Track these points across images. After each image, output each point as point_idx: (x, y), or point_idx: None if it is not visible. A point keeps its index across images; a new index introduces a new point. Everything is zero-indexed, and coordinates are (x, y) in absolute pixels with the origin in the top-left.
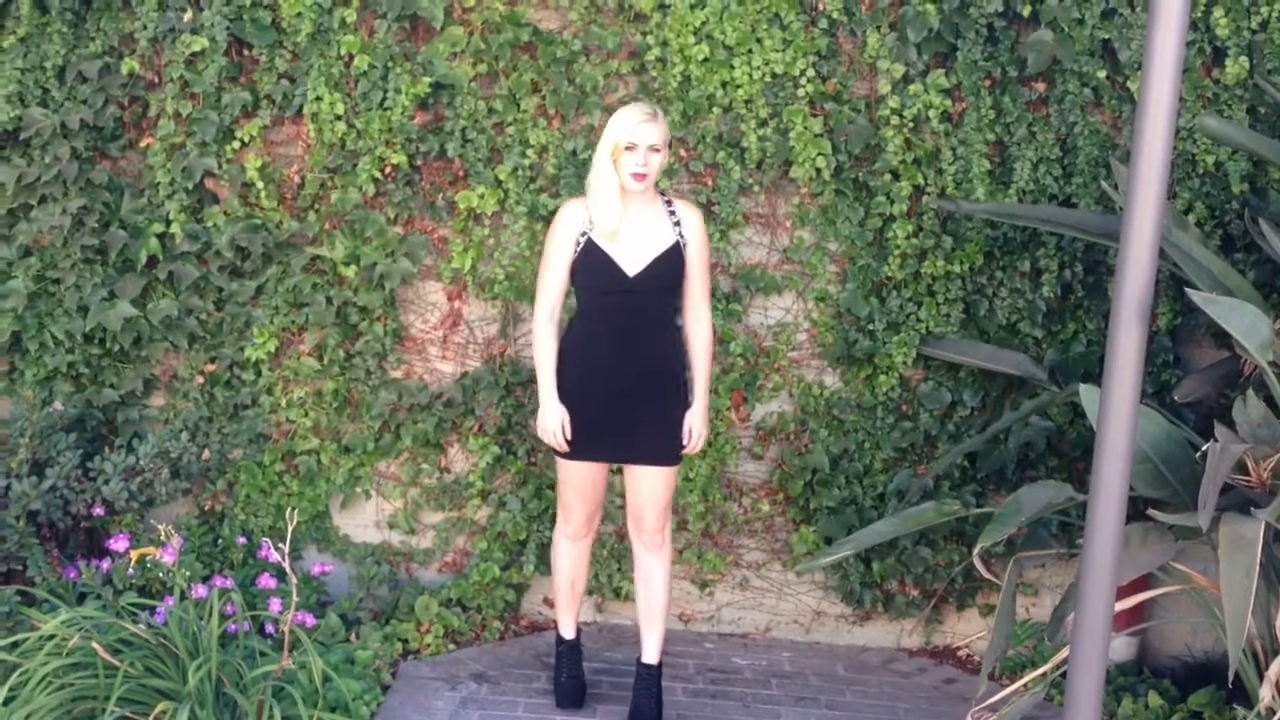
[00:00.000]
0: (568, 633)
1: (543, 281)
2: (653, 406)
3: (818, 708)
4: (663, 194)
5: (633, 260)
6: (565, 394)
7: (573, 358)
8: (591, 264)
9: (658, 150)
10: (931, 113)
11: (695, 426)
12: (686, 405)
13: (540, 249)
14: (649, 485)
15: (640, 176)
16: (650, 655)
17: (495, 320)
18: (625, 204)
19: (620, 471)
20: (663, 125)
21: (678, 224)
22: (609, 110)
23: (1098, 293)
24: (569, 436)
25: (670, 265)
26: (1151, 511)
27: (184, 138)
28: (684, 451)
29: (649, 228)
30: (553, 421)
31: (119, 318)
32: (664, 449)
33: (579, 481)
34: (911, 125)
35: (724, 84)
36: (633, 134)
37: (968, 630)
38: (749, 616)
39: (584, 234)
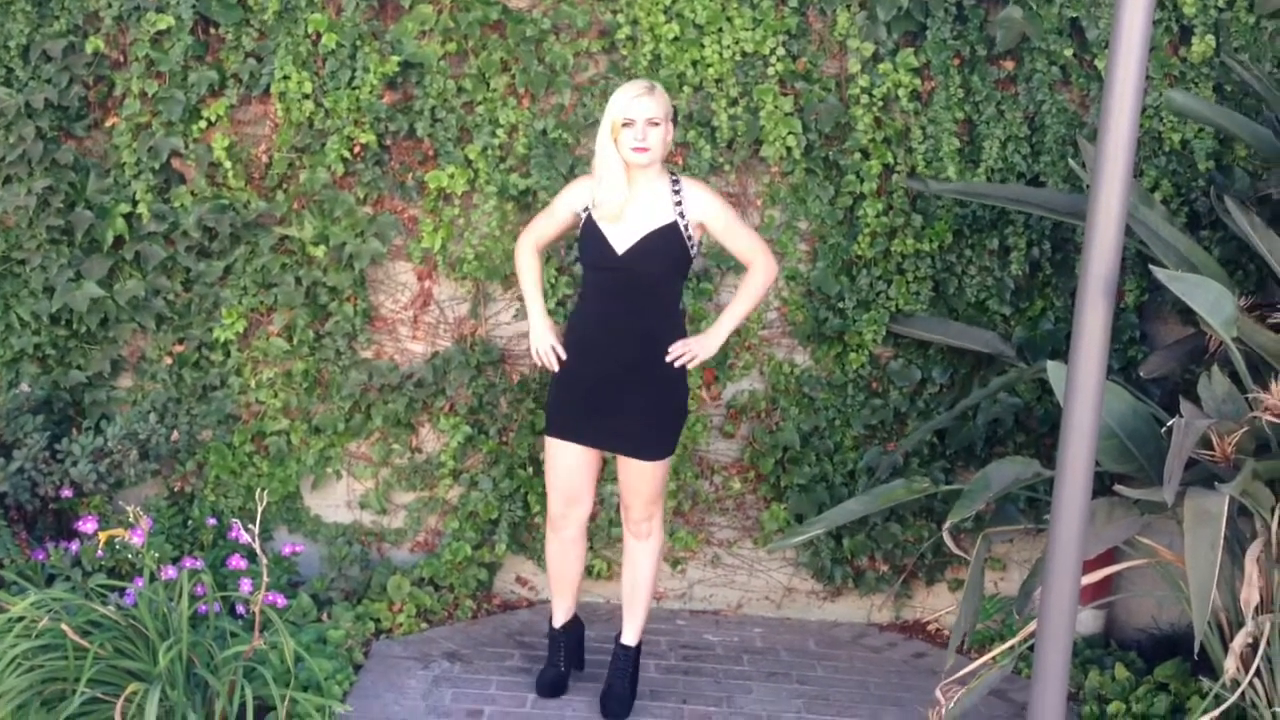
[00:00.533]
0: (556, 619)
1: (533, 221)
2: (638, 396)
3: (789, 683)
4: (672, 174)
5: (624, 237)
6: (558, 373)
7: (570, 337)
8: (588, 239)
9: (656, 124)
10: (901, 91)
11: (693, 345)
12: (679, 399)
13: (510, 228)
14: (632, 476)
15: (641, 150)
16: (628, 637)
17: (466, 300)
18: (631, 182)
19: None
20: (661, 99)
21: (679, 203)
22: (579, 89)
23: (1065, 270)
24: (562, 356)
25: (663, 244)
26: (1118, 487)
27: (150, 117)
28: (668, 358)
29: (646, 206)
30: (541, 340)
31: (85, 299)
32: (645, 443)
33: (556, 463)
34: (881, 104)
35: (694, 63)
36: (628, 109)
37: (937, 605)
38: (720, 593)
39: (586, 210)
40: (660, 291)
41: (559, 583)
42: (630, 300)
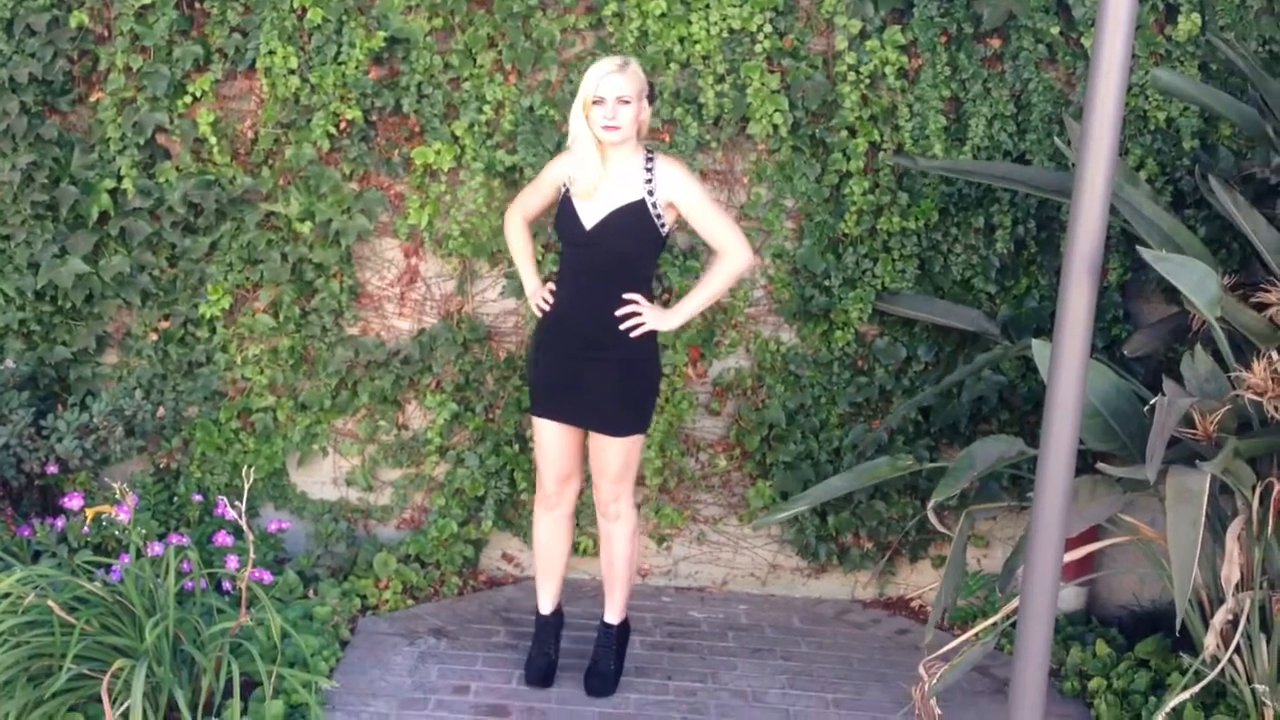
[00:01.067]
0: (543, 607)
1: (522, 193)
2: (607, 373)
3: (774, 659)
4: (649, 152)
5: (592, 213)
6: (534, 350)
7: (546, 314)
8: (562, 214)
9: (627, 102)
10: (888, 69)
11: (648, 311)
12: (647, 378)
13: (497, 205)
14: (599, 453)
15: (611, 128)
16: (610, 615)
17: (452, 277)
18: (606, 160)
19: None
20: (635, 76)
21: (650, 180)
22: (566, 65)
23: (1050, 249)
24: (550, 301)
25: (630, 221)
26: (1100, 465)
27: (135, 92)
28: (620, 311)
29: (617, 182)
30: (534, 295)
31: (70, 274)
32: (612, 419)
33: (542, 442)
34: (868, 81)
35: (681, 39)
36: (598, 87)
37: (921, 582)
38: (706, 570)
39: (565, 186)
40: (628, 269)
41: (549, 563)
42: (598, 277)
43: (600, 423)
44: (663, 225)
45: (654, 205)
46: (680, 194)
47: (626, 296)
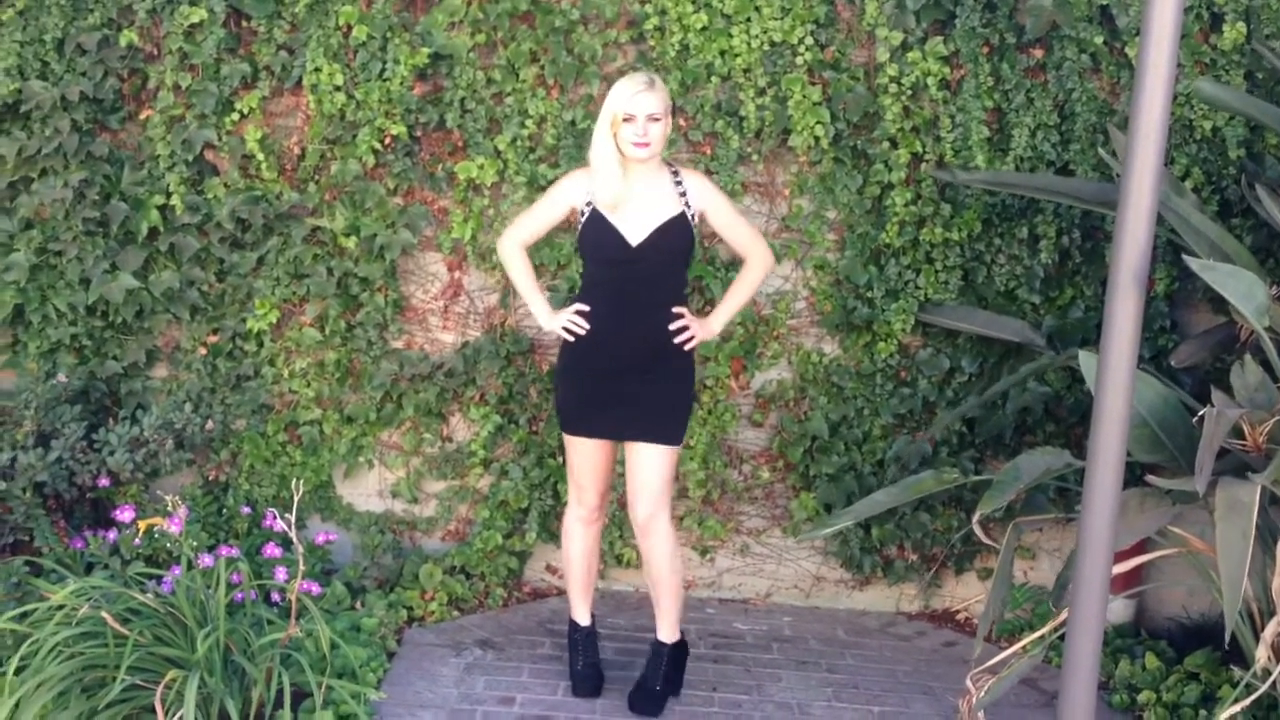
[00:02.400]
0: (582, 618)
1: (519, 220)
2: (653, 385)
3: (819, 671)
4: (670, 165)
5: (636, 230)
6: (567, 369)
7: (576, 334)
8: (596, 233)
9: (657, 119)
10: (930, 80)
11: (695, 324)
12: (691, 386)
13: None
14: (643, 466)
15: (642, 145)
16: (662, 634)
17: (495, 290)
18: (630, 175)
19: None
20: (662, 93)
21: (684, 194)
22: (608, 79)
23: (1095, 259)
24: (579, 322)
25: (675, 235)
26: (1149, 476)
27: (183, 110)
28: (672, 326)
29: (653, 198)
30: (554, 322)
31: (121, 290)
32: (664, 428)
33: (585, 459)
34: (910, 93)
35: (722, 53)
36: (629, 104)
37: (966, 594)
38: (749, 582)
39: (589, 204)
40: (671, 281)
41: (587, 576)
42: (641, 292)
43: (652, 433)
44: (697, 235)
45: (692, 217)
46: (711, 204)
47: (676, 310)
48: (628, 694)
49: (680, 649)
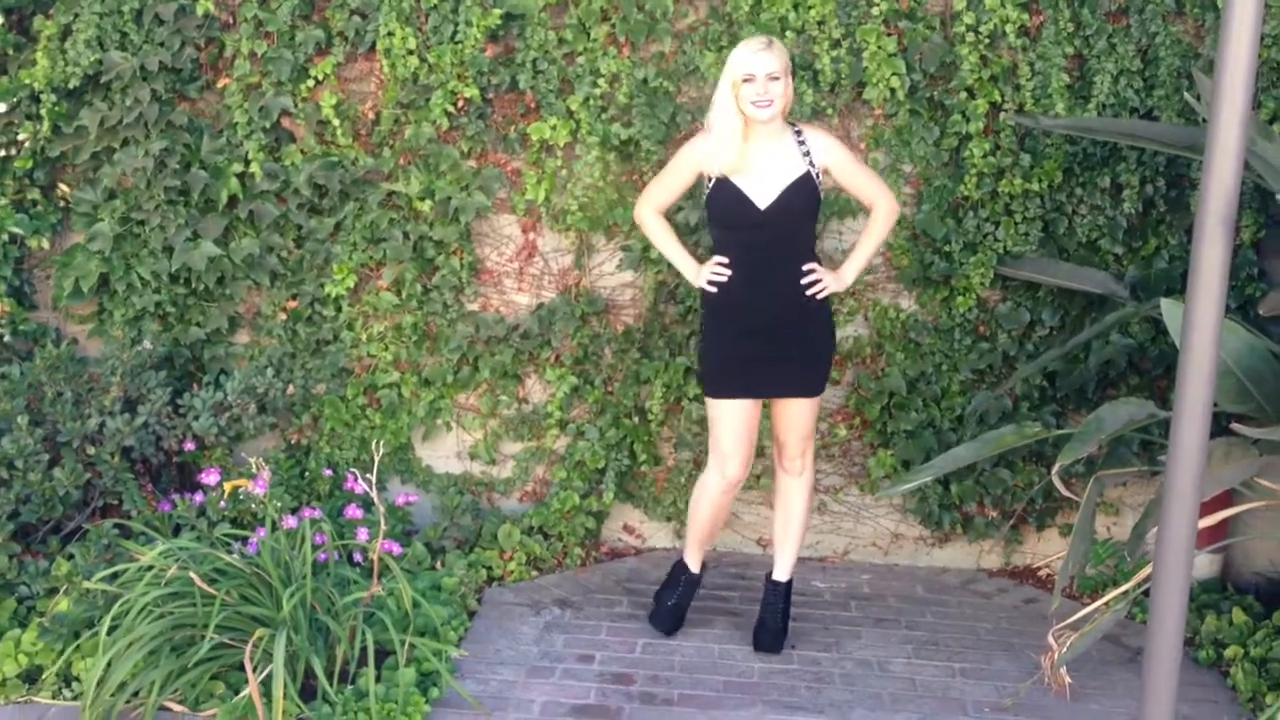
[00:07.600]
0: (693, 565)
1: (647, 190)
2: (796, 339)
3: (898, 628)
4: (793, 125)
5: (763, 193)
6: (711, 336)
7: (711, 299)
8: (724, 199)
9: (777, 78)
10: (1008, 27)
11: (828, 276)
12: (833, 335)
13: (613, 179)
14: (795, 417)
15: (763, 104)
16: (780, 573)
17: (569, 251)
18: (753, 137)
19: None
20: (781, 53)
21: (807, 153)
22: (679, 36)
23: (1180, 207)
24: (723, 272)
25: (802, 195)
26: (1235, 426)
27: (260, 77)
28: (804, 281)
29: (779, 158)
30: (699, 275)
31: (203, 257)
32: (808, 381)
33: (733, 423)
34: (988, 41)
35: (795, 6)
36: (748, 65)
37: (1048, 550)
38: (827, 540)
39: (711, 172)
40: (802, 239)
41: (712, 529)
42: (776, 253)
43: (801, 387)
44: (822, 191)
45: (816, 175)
46: (834, 158)
47: (807, 267)
48: (752, 633)
49: (789, 587)
